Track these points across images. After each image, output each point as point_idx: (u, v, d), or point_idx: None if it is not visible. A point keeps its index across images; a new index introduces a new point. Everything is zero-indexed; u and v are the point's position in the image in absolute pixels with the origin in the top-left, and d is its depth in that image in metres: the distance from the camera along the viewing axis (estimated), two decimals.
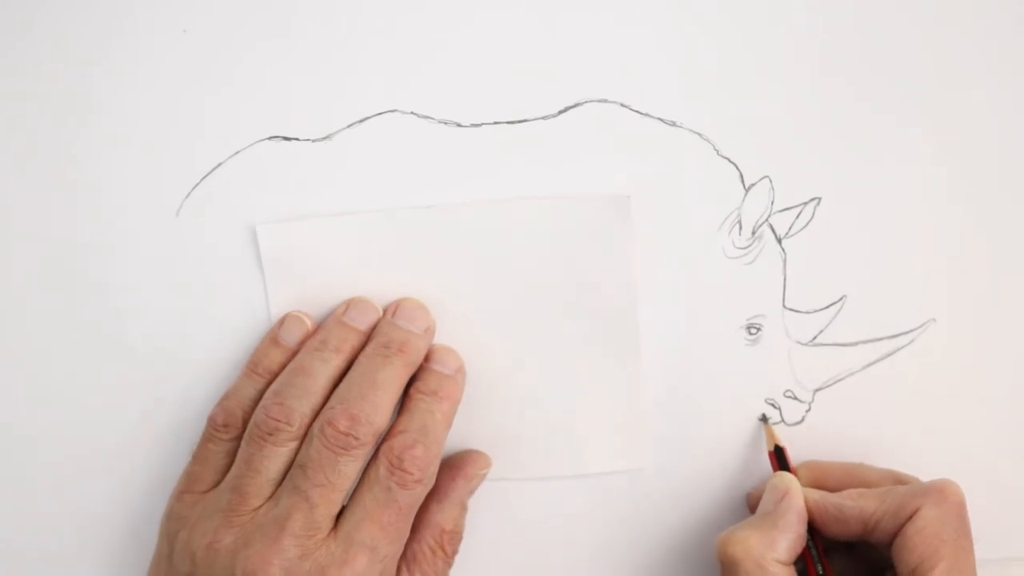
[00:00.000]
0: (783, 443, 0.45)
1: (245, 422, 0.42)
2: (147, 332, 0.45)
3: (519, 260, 0.44)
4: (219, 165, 0.44)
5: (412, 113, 0.44)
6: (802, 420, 0.46)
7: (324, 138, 0.44)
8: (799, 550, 0.42)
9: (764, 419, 0.46)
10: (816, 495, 0.43)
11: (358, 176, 0.44)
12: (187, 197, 0.44)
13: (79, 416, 0.46)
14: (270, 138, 0.44)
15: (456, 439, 0.45)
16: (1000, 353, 0.46)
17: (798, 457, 0.46)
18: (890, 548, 0.41)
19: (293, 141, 0.44)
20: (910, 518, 0.41)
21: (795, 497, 0.43)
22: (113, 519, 0.47)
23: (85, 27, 0.43)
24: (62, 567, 0.47)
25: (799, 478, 0.44)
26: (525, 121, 0.44)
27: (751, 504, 0.46)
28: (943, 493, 0.41)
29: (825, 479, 0.45)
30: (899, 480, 0.44)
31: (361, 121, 0.44)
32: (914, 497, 0.41)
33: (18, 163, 0.44)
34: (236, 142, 0.44)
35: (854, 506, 0.42)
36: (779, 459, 0.45)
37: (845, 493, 0.43)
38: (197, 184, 0.44)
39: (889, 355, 0.46)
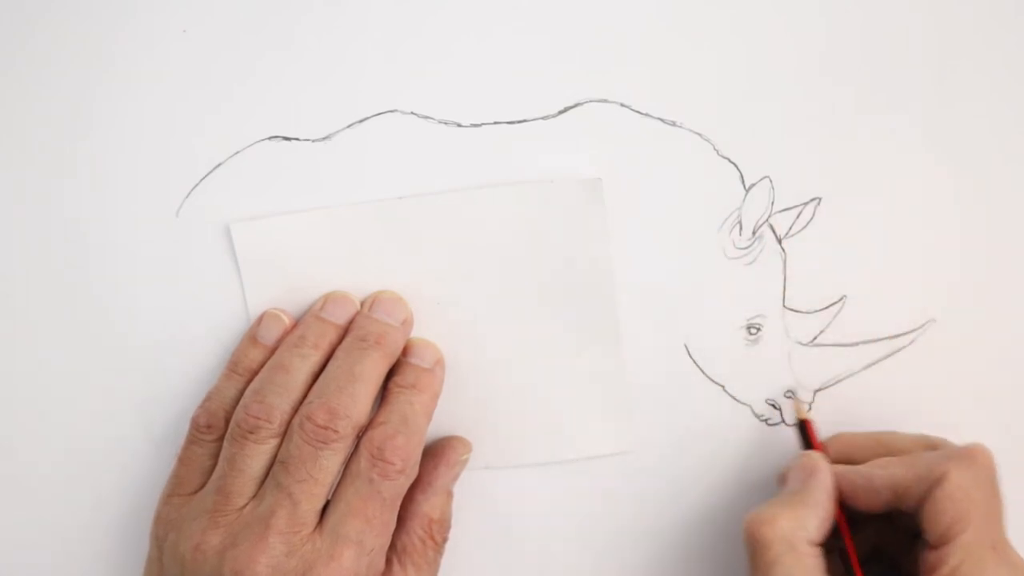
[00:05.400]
0: (808, 416, 0.44)
1: (228, 422, 0.42)
2: (148, 332, 0.45)
3: (495, 247, 0.44)
4: (219, 165, 0.44)
5: (412, 113, 0.44)
6: None
7: (324, 138, 0.44)
8: (828, 529, 0.41)
9: (790, 394, 0.46)
10: (843, 469, 0.42)
11: (358, 176, 0.44)
12: (187, 197, 0.44)
13: (74, 417, 0.46)
14: (270, 138, 0.44)
15: (438, 429, 0.45)
16: (1000, 353, 0.46)
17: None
18: (919, 514, 0.40)
19: (293, 141, 0.44)
20: (939, 482, 0.39)
21: (823, 474, 0.42)
22: (106, 522, 0.46)
23: (85, 27, 0.43)
24: (56, 570, 0.47)
25: (827, 452, 0.44)
26: (525, 121, 0.44)
27: (780, 484, 0.45)
28: (973, 456, 0.40)
29: (853, 451, 0.44)
30: (929, 445, 0.43)
31: (361, 121, 0.44)
32: (943, 461, 0.40)
33: (19, 163, 0.44)
34: (236, 142, 0.44)
35: (883, 474, 0.41)
36: (802, 433, 0.44)
37: (873, 462, 0.42)
38: (197, 184, 0.44)
39: (889, 355, 0.46)
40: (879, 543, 0.44)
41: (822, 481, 0.41)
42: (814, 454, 0.43)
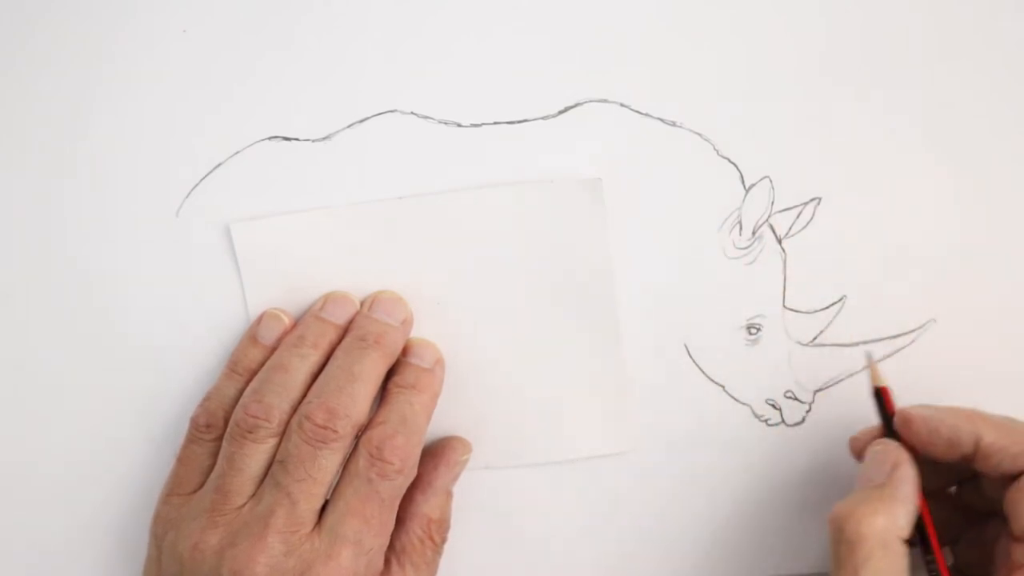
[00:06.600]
0: (886, 383, 0.42)
1: (227, 422, 0.42)
2: (148, 332, 0.45)
3: (495, 247, 0.44)
4: (219, 165, 0.44)
5: (412, 113, 0.44)
6: (803, 421, 0.46)
7: (324, 138, 0.44)
8: (913, 523, 0.39)
9: (869, 356, 0.44)
10: (928, 414, 0.40)
11: (358, 176, 0.44)
12: (187, 197, 0.44)
13: (74, 417, 0.46)
14: (270, 138, 0.44)
15: (438, 429, 0.45)
16: (1000, 353, 0.46)
17: (795, 464, 0.46)
18: (1004, 501, 0.38)
19: (293, 141, 0.44)
20: None
21: (907, 467, 0.40)
22: (105, 521, 0.46)
23: (85, 27, 0.43)
24: (56, 570, 0.47)
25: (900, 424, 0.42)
26: (525, 121, 0.44)
27: (854, 448, 0.43)
28: None
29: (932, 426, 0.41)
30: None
31: (361, 121, 0.44)
32: None
33: (19, 162, 0.44)
34: (236, 142, 0.44)
35: (970, 430, 0.39)
36: (879, 402, 0.42)
37: (957, 413, 0.40)
38: (197, 184, 0.44)
39: (889, 355, 0.46)
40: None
41: (907, 474, 0.40)
42: (891, 443, 0.41)
